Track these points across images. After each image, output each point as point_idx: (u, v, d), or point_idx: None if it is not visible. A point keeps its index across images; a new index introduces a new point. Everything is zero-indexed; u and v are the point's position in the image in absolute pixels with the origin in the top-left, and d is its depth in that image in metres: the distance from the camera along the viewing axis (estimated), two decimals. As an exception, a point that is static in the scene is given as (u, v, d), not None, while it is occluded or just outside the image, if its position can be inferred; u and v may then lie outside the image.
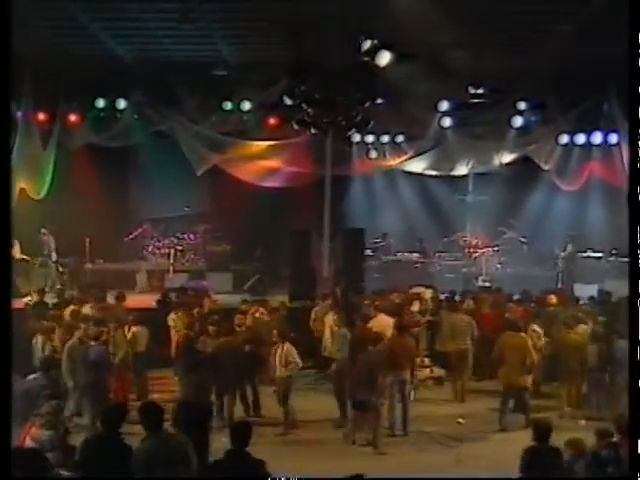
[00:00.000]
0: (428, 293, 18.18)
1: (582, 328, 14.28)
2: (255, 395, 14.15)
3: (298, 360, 13.13)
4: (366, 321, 14.50)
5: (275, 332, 13.56)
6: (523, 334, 13.85)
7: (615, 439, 8.47)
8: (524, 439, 11.90)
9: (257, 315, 15.96)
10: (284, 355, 13.03)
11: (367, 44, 17.05)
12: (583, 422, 13.11)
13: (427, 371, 16.23)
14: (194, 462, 7.91)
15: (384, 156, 23.29)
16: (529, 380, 13.51)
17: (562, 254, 22.73)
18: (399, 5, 15.62)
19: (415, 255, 24.08)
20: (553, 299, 16.93)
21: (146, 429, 8.03)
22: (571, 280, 22.05)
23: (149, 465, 7.69)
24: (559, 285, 21.82)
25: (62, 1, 16.30)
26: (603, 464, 8.15)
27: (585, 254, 23.13)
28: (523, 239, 24.17)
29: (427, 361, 16.44)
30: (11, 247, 6.99)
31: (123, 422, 8.30)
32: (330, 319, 15.02)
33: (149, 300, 18.03)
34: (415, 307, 16.70)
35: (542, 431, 8.96)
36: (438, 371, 16.36)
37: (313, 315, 16.61)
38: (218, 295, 18.82)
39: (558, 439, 11.73)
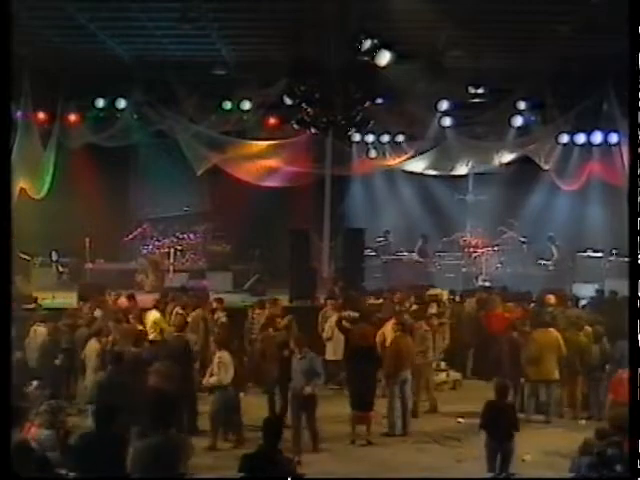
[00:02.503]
0: (445, 294, 18.05)
1: (587, 329, 14.24)
2: (284, 400, 13.21)
3: (227, 371, 12.25)
4: (380, 325, 14.25)
5: (212, 339, 13.13)
6: (552, 329, 13.91)
7: (616, 438, 8.43)
8: (523, 439, 12.04)
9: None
10: (217, 363, 12.37)
11: (367, 44, 17.04)
12: (583, 422, 13.11)
13: (443, 375, 15.96)
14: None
15: (384, 156, 23.23)
16: (557, 373, 13.69)
17: (550, 261, 22.88)
18: (399, 5, 15.60)
19: (415, 254, 24.09)
20: (552, 299, 16.93)
21: (158, 426, 8.12)
22: (570, 280, 22.07)
23: (148, 461, 7.80)
24: (565, 286, 21.86)
25: (61, 1, 16.27)
26: (609, 464, 8.11)
27: (585, 254, 23.13)
28: (523, 239, 24.16)
29: (443, 365, 16.17)
30: (11, 247, 6.98)
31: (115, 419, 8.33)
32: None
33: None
34: (433, 309, 16.37)
35: (501, 389, 10.80)
36: (454, 375, 16.17)
37: (320, 317, 16.39)
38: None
39: (558, 439, 11.85)
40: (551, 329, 14.00)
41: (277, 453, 7.70)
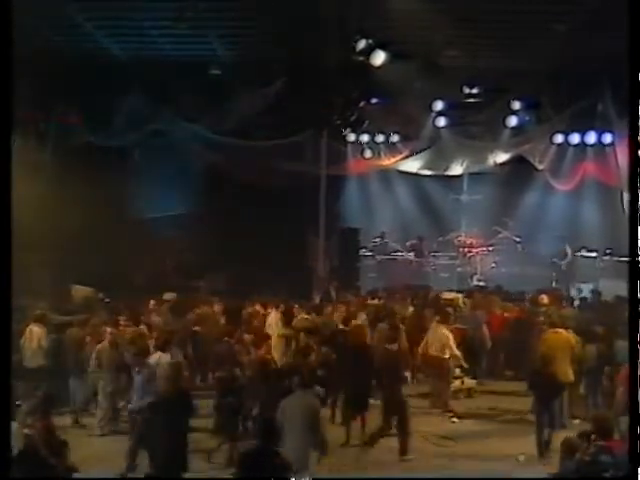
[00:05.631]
0: (460, 298, 17.71)
1: (584, 329, 14.17)
2: None
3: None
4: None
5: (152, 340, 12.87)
6: (562, 330, 13.78)
7: (602, 442, 8.39)
8: (519, 438, 12.08)
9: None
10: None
11: (362, 44, 17.08)
12: (577, 421, 13.11)
13: (457, 382, 15.37)
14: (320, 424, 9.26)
15: (379, 156, 23.23)
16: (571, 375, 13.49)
17: (564, 261, 22.91)
18: (394, 5, 15.62)
19: (411, 254, 24.15)
20: (545, 299, 16.93)
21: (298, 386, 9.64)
22: (574, 281, 22.17)
23: (285, 415, 9.17)
24: (560, 285, 21.93)
25: (57, 0, 16.26)
26: (603, 469, 8.11)
27: (579, 253, 23.22)
28: (517, 238, 24.23)
29: (457, 371, 15.52)
30: (11, 247, 7.00)
31: None
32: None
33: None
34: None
35: (545, 358, 12.22)
36: (469, 382, 15.73)
37: None
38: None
39: (555, 438, 11.86)
40: (561, 330, 13.85)
41: (274, 452, 7.71)
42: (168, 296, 17.52)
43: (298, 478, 8.52)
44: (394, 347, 12.78)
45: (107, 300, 18.15)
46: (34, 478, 7.46)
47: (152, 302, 16.97)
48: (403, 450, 11.89)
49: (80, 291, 18.98)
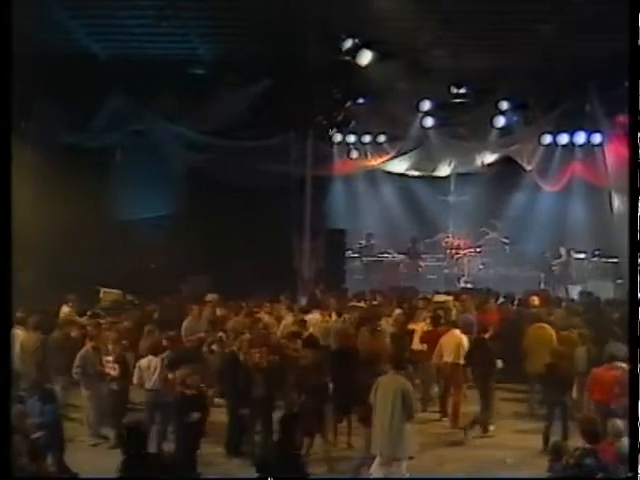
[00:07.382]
0: (450, 301, 17.38)
1: (574, 331, 14.09)
2: None
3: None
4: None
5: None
6: (545, 325, 13.92)
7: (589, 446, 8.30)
8: (507, 440, 11.95)
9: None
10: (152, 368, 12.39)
11: (348, 43, 17.00)
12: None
13: None
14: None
15: (365, 156, 23.11)
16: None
17: (557, 260, 22.83)
18: (380, 4, 15.52)
19: (399, 256, 24.06)
20: (535, 300, 16.86)
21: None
22: (567, 283, 22.11)
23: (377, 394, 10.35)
24: (556, 287, 21.88)
25: (40, -1, 16.10)
26: (588, 472, 8.01)
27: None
28: (505, 240, 24.16)
29: None
30: (11, 249, 6.86)
31: None
32: None
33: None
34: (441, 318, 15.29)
35: (557, 353, 12.61)
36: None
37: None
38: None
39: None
40: (545, 324, 13.91)
41: (293, 451, 7.63)
42: (210, 297, 17.30)
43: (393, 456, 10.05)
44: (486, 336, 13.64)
45: (136, 302, 18.14)
46: (34, 478, 7.38)
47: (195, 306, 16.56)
48: (484, 428, 13.04)
49: (108, 294, 18.81)
